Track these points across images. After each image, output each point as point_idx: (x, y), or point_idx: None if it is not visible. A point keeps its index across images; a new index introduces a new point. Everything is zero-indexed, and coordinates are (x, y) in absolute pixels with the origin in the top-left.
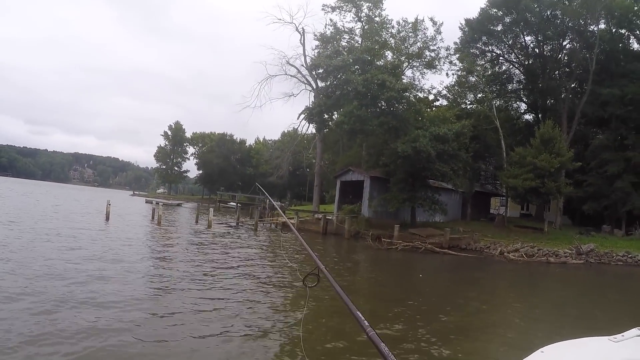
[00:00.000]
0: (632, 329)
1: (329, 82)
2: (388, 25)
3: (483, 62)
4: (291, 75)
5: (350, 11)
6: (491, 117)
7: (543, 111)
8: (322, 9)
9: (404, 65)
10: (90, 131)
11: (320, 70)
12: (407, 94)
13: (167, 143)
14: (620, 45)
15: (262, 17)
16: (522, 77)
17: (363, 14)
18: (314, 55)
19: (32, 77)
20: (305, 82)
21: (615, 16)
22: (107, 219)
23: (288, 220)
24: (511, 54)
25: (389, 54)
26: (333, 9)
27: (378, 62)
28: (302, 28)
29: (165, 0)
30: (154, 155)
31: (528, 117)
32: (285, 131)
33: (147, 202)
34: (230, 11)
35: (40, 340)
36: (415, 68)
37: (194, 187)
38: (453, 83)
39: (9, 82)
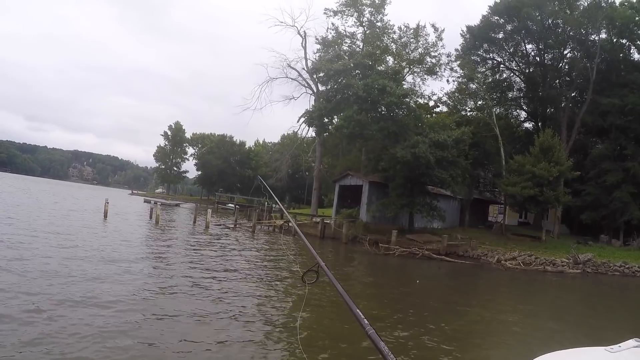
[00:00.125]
0: (629, 340)
1: (329, 86)
2: (390, 31)
3: (484, 70)
4: (292, 79)
5: (352, 15)
6: (491, 124)
7: (543, 120)
8: (324, 13)
9: (405, 70)
10: (90, 129)
11: (321, 74)
12: (407, 99)
13: (166, 143)
14: (621, 55)
15: (264, 20)
16: (523, 85)
17: (365, 19)
18: (315, 58)
19: (32, 73)
20: (306, 85)
21: (616, 26)
22: (105, 217)
23: (291, 218)
24: (512, 62)
25: (390, 59)
26: (335, 13)
27: (379, 67)
28: (304, 31)
29: None
30: (154, 155)
31: (528, 125)
32: (285, 134)
33: (145, 201)
34: (231, 11)
35: (34, 340)
36: (416, 74)
37: (193, 187)
38: (453, 90)
39: (8, 78)
